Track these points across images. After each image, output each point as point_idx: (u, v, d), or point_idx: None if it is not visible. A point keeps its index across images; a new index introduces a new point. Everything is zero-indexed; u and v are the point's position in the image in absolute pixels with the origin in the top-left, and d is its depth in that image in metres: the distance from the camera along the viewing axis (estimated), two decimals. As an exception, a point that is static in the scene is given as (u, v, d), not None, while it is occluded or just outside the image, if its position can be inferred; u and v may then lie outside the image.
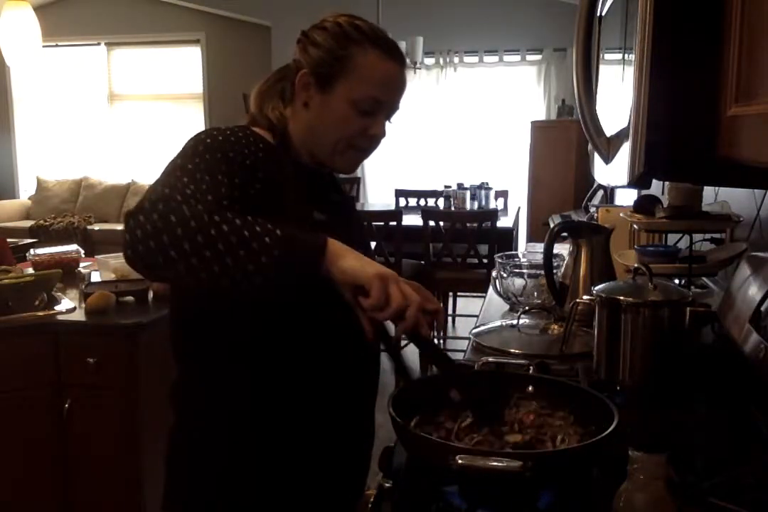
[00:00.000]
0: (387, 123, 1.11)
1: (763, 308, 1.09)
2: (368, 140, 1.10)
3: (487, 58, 6.22)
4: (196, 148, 0.98)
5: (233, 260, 0.83)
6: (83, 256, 2.71)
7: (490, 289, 2.02)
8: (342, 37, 1.07)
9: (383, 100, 1.08)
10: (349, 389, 1.13)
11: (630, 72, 0.78)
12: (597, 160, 1.14)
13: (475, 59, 6.25)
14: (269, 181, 1.01)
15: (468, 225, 4.12)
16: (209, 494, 1.08)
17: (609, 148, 0.98)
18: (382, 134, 1.10)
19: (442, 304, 4.81)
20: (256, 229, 0.85)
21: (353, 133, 1.08)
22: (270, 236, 0.84)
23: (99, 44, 7.20)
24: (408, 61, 5.17)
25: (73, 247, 2.74)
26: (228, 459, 1.07)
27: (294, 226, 0.88)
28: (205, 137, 1.00)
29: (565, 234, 1.73)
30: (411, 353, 1.33)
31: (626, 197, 3.38)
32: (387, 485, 0.92)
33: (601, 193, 3.75)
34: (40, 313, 2.10)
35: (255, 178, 0.99)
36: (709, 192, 1.76)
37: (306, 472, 1.09)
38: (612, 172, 0.96)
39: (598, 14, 1.05)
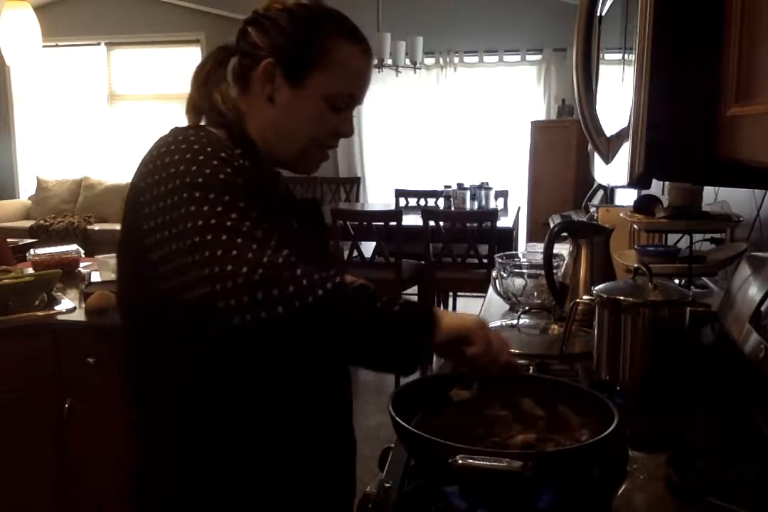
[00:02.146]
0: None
1: (763, 308, 1.09)
2: (337, 139, 1.04)
3: (487, 58, 6.21)
4: (198, 177, 0.88)
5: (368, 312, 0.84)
6: (83, 255, 2.71)
7: (490, 289, 2.02)
8: (313, 23, 0.97)
9: (357, 96, 1.01)
10: (323, 416, 1.05)
11: (630, 72, 0.78)
12: (597, 160, 1.14)
13: (475, 59, 6.24)
14: (254, 192, 0.90)
15: (468, 225, 4.12)
16: None
17: (609, 148, 0.98)
18: (352, 132, 1.04)
19: (442, 305, 4.82)
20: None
21: (326, 131, 1.01)
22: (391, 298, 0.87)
23: (99, 44, 7.19)
24: (408, 61, 5.19)
25: (73, 247, 2.74)
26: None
27: (279, 238, 0.86)
28: (197, 169, 0.89)
29: (565, 234, 1.73)
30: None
31: (626, 197, 3.38)
32: (387, 485, 0.92)
33: (601, 193, 3.75)
34: (40, 313, 2.10)
35: (245, 193, 0.89)
36: (709, 192, 1.76)
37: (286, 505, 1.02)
38: (612, 172, 0.95)
39: (598, 14, 1.05)
